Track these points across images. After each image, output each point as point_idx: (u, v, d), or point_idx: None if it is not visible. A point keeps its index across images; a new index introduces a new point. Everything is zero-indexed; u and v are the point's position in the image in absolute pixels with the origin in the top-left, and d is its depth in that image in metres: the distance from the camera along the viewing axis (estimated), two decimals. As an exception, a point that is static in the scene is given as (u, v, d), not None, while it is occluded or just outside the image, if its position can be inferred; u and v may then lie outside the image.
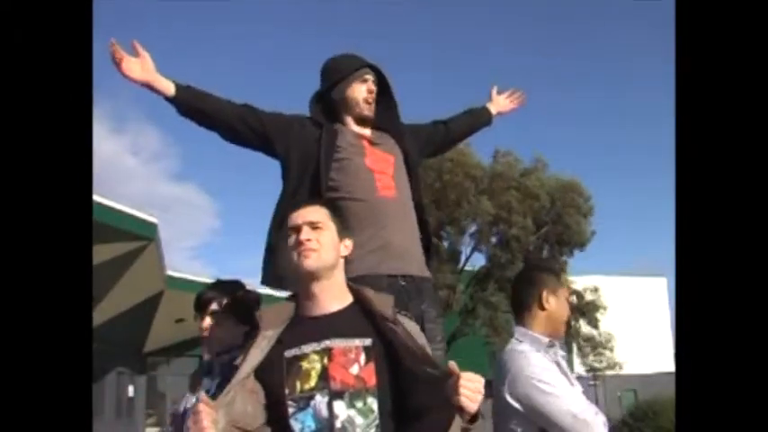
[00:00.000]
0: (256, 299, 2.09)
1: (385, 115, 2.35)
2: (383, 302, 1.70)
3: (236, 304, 2.05)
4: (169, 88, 2.10)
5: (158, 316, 13.11)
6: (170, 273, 11.66)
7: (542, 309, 2.07)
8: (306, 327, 1.65)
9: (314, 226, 1.69)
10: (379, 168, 2.18)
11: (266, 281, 2.16)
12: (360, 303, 1.70)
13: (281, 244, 1.73)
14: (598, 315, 19.56)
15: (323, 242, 1.68)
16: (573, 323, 19.66)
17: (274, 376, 1.58)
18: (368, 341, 1.62)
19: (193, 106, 2.13)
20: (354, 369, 1.59)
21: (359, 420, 1.55)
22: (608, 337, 20.66)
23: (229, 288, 2.09)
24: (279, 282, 2.14)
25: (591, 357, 20.83)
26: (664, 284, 33.30)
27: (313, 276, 1.66)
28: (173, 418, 2.05)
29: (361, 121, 2.30)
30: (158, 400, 18.11)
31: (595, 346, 20.55)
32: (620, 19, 50.95)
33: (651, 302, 32.05)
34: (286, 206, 2.16)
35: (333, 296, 1.69)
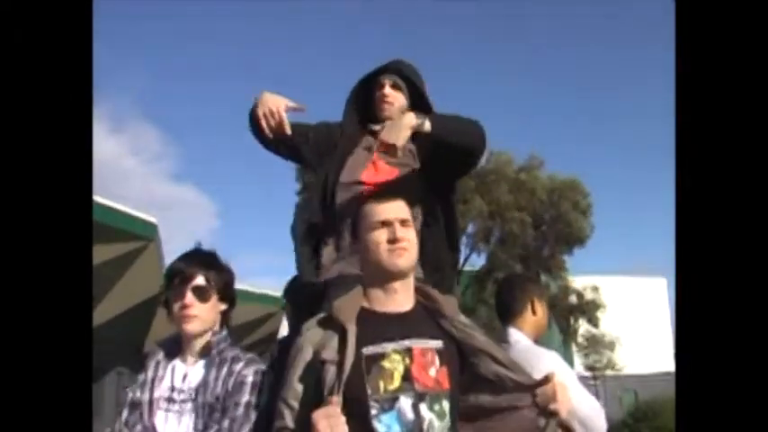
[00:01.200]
0: (233, 275, 1.95)
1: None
2: (450, 305, 1.70)
3: (221, 279, 1.86)
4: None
5: (158, 316, 13.08)
6: (170, 273, 11.62)
7: (534, 314, 2.29)
8: (381, 323, 1.61)
9: (404, 223, 1.67)
10: (374, 180, 2.19)
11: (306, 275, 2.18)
12: (422, 304, 1.69)
13: (369, 238, 1.66)
14: (598, 314, 19.56)
15: (412, 240, 1.67)
16: (572, 323, 19.64)
17: (354, 374, 1.52)
18: (440, 343, 1.62)
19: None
20: (432, 371, 1.58)
21: (436, 423, 1.54)
22: (609, 337, 20.65)
23: (209, 261, 1.87)
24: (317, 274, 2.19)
25: (592, 357, 20.82)
26: (664, 284, 33.30)
27: (402, 275, 1.65)
28: (132, 408, 1.77)
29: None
30: (158, 400, 18.07)
31: (596, 345, 20.55)
32: (620, 13, 50.93)
33: (651, 302, 32.05)
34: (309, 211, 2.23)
35: (408, 295, 1.69)
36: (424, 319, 1.66)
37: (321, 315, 1.65)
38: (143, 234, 8.92)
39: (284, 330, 2.25)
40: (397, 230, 1.64)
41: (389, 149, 2.16)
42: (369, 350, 1.55)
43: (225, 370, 1.77)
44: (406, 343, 1.58)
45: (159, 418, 1.73)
